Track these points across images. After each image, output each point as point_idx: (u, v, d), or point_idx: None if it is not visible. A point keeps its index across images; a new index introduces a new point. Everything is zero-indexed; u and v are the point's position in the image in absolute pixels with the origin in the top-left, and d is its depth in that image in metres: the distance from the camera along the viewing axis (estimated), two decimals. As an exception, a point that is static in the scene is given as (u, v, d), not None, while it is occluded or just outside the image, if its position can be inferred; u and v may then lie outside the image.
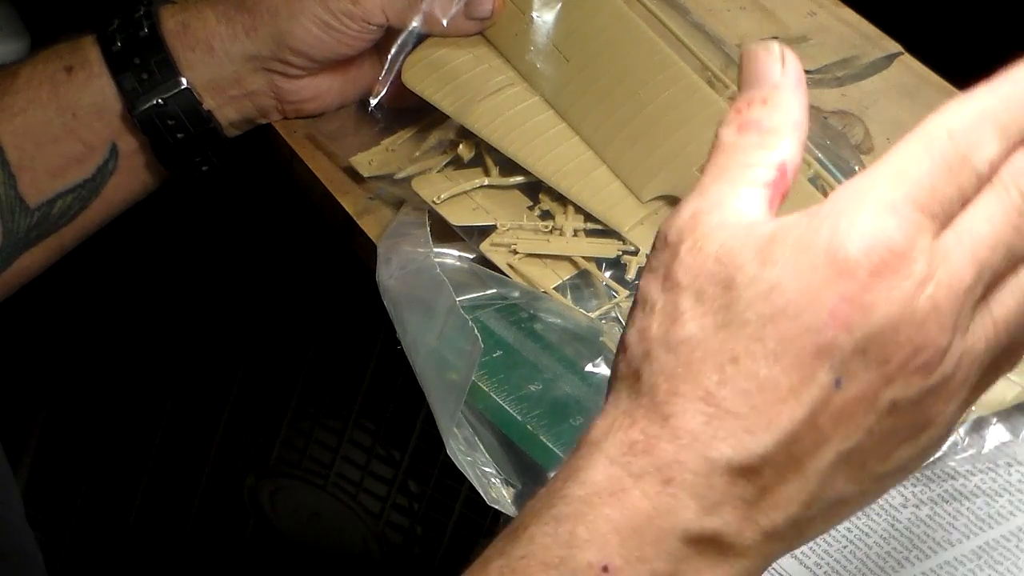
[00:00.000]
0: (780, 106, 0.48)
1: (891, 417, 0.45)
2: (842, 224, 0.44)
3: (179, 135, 0.78)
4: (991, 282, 0.46)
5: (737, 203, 0.47)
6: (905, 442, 0.46)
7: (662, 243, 0.48)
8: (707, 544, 0.46)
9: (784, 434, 0.45)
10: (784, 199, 0.48)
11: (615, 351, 0.49)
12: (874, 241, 0.44)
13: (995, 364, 0.48)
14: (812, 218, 0.45)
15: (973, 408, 0.66)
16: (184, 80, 0.77)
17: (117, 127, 0.78)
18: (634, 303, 0.48)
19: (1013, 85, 0.46)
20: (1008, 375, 0.66)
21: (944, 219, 0.45)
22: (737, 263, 0.46)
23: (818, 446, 0.45)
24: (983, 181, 0.45)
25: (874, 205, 0.44)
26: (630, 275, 0.71)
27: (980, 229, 0.45)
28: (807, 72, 0.87)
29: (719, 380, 0.45)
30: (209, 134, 0.79)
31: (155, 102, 0.77)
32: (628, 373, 0.47)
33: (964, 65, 0.87)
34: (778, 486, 0.46)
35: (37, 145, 0.78)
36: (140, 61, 0.77)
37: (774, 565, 0.63)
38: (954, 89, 0.86)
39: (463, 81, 0.77)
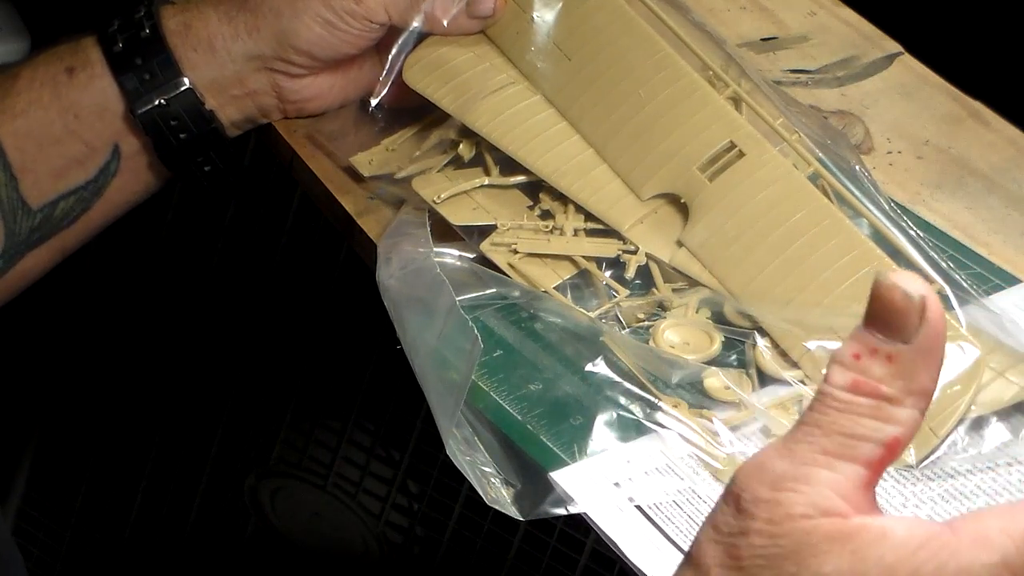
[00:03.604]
0: (909, 371, 0.42)
1: None
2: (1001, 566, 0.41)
3: (181, 135, 0.78)
4: None
5: (830, 480, 0.41)
6: None
7: (733, 501, 0.43)
8: None
9: None
10: (881, 477, 0.43)
11: None
12: None
13: None
14: (937, 539, 0.41)
15: (973, 408, 0.66)
16: (186, 80, 0.77)
17: (119, 128, 0.78)
18: (687, 557, 0.44)
19: None
20: (1007, 375, 0.67)
21: None
22: (816, 565, 0.41)
23: None
24: None
25: (994, 562, 0.41)
26: (629, 274, 0.71)
27: None
28: (807, 72, 0.87)
29: None
30: (211, 134, 0.79)
31: (157, 103, 0.77)
32: None
33: (964, 65, 0.88)
34: None
35: (39, 147, 0.77)
36: (142, 61, 0.77)
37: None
38: (954, 89, 0.86)
39: (464, 80, 0.77)
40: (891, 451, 0.42)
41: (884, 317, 0.42)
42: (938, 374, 0.42)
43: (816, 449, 0.42)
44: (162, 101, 0.77)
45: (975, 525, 0.42)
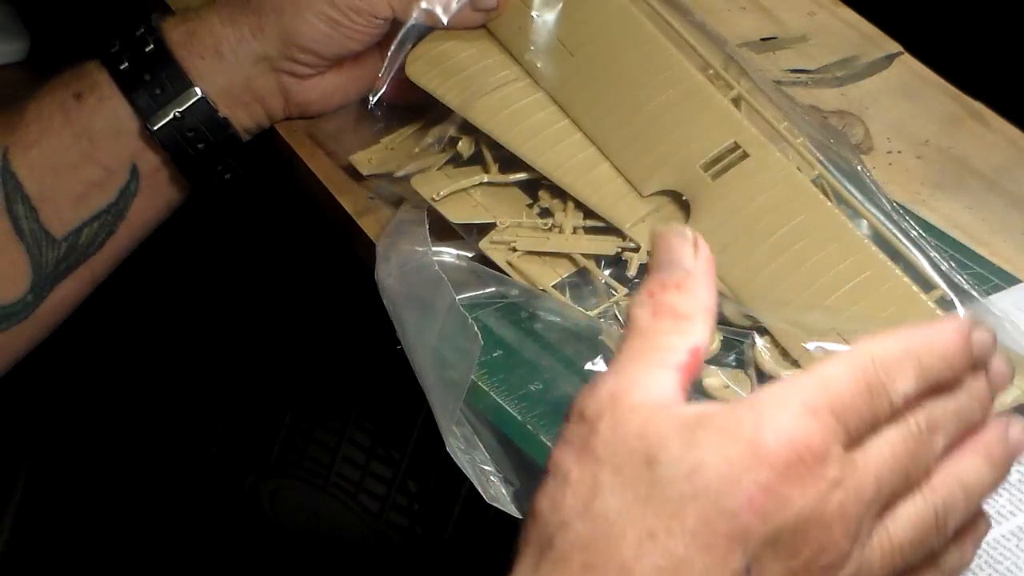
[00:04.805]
0: (693, 292, 0.51)
1: None
2: (766, 418, 0.47)
3: (199, 145, 0.78)
4: (888, 502, 0.49)
5: (653, 384, 0.49)
6: None
7: (578, 417, 0.49)
8: None
9: None
10: (694, 380, 0.50)
11: (524, 518, 0.50)
12: (794, 438, 0.47)
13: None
14: (737, 407, 0.48)
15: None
16: (198, 90, 0.77)
17: (135, 147, 0.78)
18: (546, 472, 0.49)
19: (939, 336, 0.50)
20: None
21: (856, 435, 0.48)
22: (660, 442, 0.47)
23: None
24: (895, 412, 0.49)
25: (798, 405, 0.47)
26: (631, 272, 0.71)
27: (883, 452, 0.49)
28: (807, 72, 0.87)
29: (635, 554, 0.46)
30: (229, 141, 0.79)
31: (172, 116, 0.77)
32: (539, 541, 0.48)
33: (964, 65, 0.88)
34: None
35: (56, 175, 0.77)
36: (151, 77, 0.77)
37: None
38: (954, 89, 0.86)
39: (467, 76, 0.77)
40: (695, 357, 0.50)
41: (668, 257, 0.51)
42: (715, 293, 0.51)
43: (638, 364, 0.50)
44: (177, 113, 0.77)
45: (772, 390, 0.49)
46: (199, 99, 0.77)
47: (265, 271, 1.00)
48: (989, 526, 0.54)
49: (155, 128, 0.77)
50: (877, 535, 0.49)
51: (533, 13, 0.79)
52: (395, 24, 0.77)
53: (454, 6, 0.77)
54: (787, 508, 0.46)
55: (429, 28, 0.78)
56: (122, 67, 0.77)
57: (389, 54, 0.77)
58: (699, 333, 0.50)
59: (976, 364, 0.52)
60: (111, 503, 1.15)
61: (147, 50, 0.77)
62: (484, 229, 0.73)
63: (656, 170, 0.73)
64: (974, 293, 0.70)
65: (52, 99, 0.77)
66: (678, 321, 0.50)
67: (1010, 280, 0.74)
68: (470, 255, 0.73)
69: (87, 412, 1.15)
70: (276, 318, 1.00)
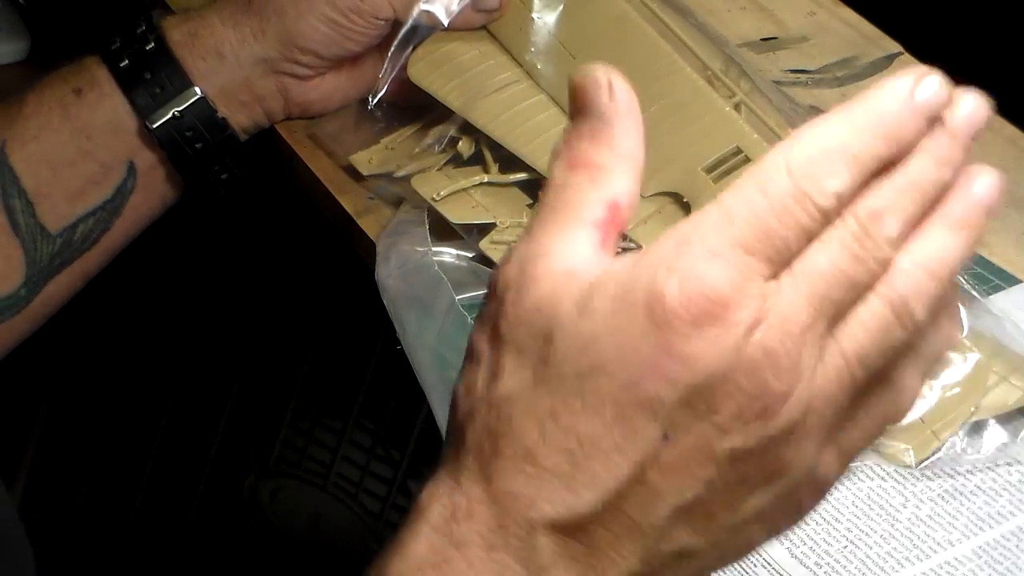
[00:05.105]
0: (608, 140, 0.46)
1: (733, 467, 0.44)
2: (660, 273, 0.42)
3: (197, 145, 0.78)
4: (835, 316, 0.43)
5: (565, 247, 0.45)
6: (757, 489, 0.44)
7: (491, 292, 0.46)
8: None
9: (609, 491, 0.43)
10: (619, 238, 0.45)
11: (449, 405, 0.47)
12: (693, 289, 0.42)
13: (866, 403, 0.46)
14: (635, 265, 0.43)
15: (973, 409, 0.66)
16: (198, 90, 0.77)
17: (133, 144, 0.78)
18: (466, 355, 0.46)
19: (866, 110, 0.43)
20: (1010, 379, 0.67)
21: (781, 260, 0.43)
22: (556, 314, 0.44)
23: (650, 501, 0.43)
24: (828, 216, 0.43)
25: (696, 251, 0.42)
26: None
27: (817, 265, 0.43)
28: (807, 72, 0.87)
29: (539, 438, 0.43)
30: (227, 141, 0.79)
31: (171, 115, 0.77)
32: (455, 430, 0.46)
33: (964, 65, 0.87)
34: (610, 543, 0.44)
35: (53, 170, 0.77)
36: (151, 75, 0.77)
37: (773, 564, 0.63)
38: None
39: (469, 77, 0.77)
40: (613, 212, 0.45)
41: (581, 103, 0.46)
42: (639, 136, 0.46)
43: (549, 225, 0.45)
44: (176, 113, 0.77)
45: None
46: (198, 99, 0.77)
47: (265, 271, 1.00)
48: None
49: (153, 127, 0.77)
50: (828, 354, 0.43)
51: (534, 15, 0.79)
52: (396, 25, 0.77)
53: (455, 7, 0.77)
54: (695, 366, 0.42)
55: (430, 29, 0.78)
56: (122, 65, 0.77)
57: (390, 54, 0.77)
58: (618, 184, 0.45)
59: (930, 121, 0.44)
60: (111, 503, 1.15)
61: (148, 48, 0.77)
62: (484, 229, 0.73)
63: (656, 173, 0.73)
64: (974, 293, 0.70)
65: (52, 94, 0.77)
66: (592, 172, 0.45)
67: (1010, 280, 0.74)
68: (470, 255, 0.73)
69: (87, 412, 1.15)
70: (276, 318, 1.00)
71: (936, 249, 0.44)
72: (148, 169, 0.79)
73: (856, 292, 0.43)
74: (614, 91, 0.46)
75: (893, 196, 0.43)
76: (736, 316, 0.42)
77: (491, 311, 0.45)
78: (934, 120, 0.44)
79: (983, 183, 0.46)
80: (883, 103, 0.43)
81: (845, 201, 0.43)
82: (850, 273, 0.43)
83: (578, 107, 0.46)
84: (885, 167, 0.43)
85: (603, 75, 0.46)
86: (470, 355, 0.46)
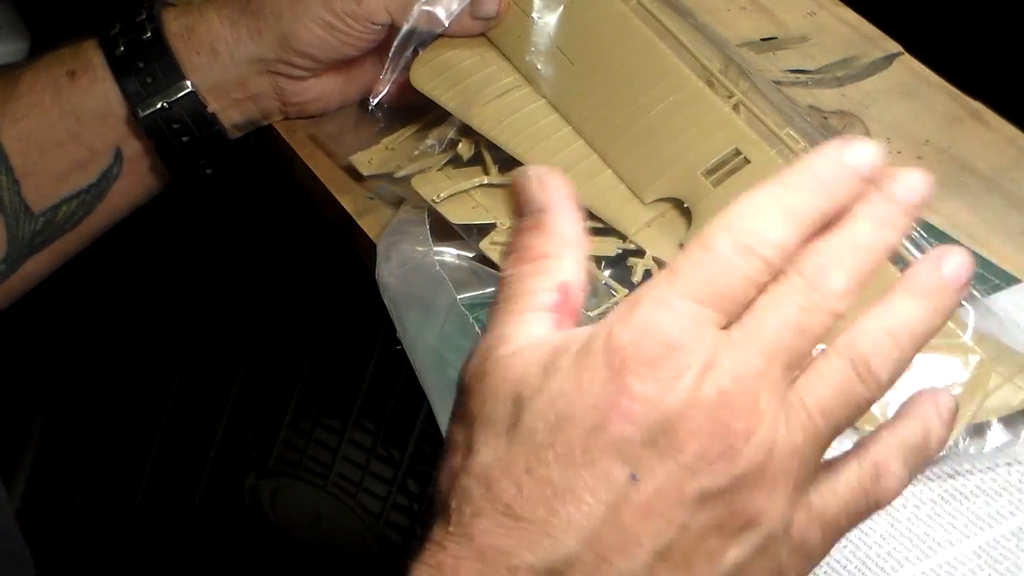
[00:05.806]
0: (549, 229, 0.49)
1: (704, 510, 0.45)
2: (616, 326, 0.45)
3: (184, 138, 0.78)
4: (790, 363, 0.46)
5: (522, 334, 0.47)
6: (733, 541, 0.46)
7: (460, 388, 0.48)
8: None
9: (586, 533, 0.45)
10: (575, 318, 0.48)
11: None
12: (644, 334, 0.45)
13: (843, 469, 0.48)
14: (593, 327, 0.46)
15: (975, 410, 0.66)
16: (188, 84, 0.77)
17: (121, 131, 0.78)
18: (444, 449, 0.49)
19: (799, 170, 0.46)
20: (1014, 380, 0.67)
21: (732, 310, 0.45)
22: (523, 377, 0.46)
23: (627, 543, 0.45)
24: (773, 268, 0.45)
25: (646, 304, 0.45)
26: (636, 278, 0.71)
27: (766, 312, 0.45)
28: (807, 72, 0.87)
29: (516, 492, 0.45)
30: (213, 137, 0.79)
31: (160, 106, 0.77)
32: (441, 510, 0.47)
33: (964, 65, 0.88)
34: None
35: (41, 150, 0.77)
36: (144, 65, 0.77)
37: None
38: (954, 89, 0.86)
39: (470, 83, 0.77)
40: (564, 295, 0.48)
41: (521, 201, 0.49)
42: (578, 224, 0.49)
43: (505, 316, 0.48)
44: (164, 104, 0.77)
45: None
46: (188, 92, 0.77)
47: (265, 271, 1.00)
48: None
49: (141, 116, 0.77)
50: (789, 404, 0.46)
51: (534, 15, 0.79)
52: (393, 28, 0.77)
53: (454, 9, 0.77)
54: (655, 406, 0.44)
55: (430, 30, 0.78)
56: (118, 51, 0.77)
57: (390, 56, 0.77)
58: (566, 269, 0.48)
59: (869, 182, 0.46)
60: (111, 503, 1.15)
61: (144, 38, 0.77)
62: (484, 229, 0.73)
63: (657, 177, 0.73)
64: (974, 293, 0.70)
65: (47, 74, 0.78)
66: (538, 262, 0.48)
67: (1010, 280, 0.74)
68: (471, 255, 0.73)
69: (87, 412, 1.15)
70: (276, 318, 1.00)
71: (900, 314, 0.47)
72: (135, 157, 0.79)
73: (808, 340, 0.46)
74: (547, 185, 0.49)
75: (836, 250, 0.46)
76: (687, 359, 0.44)
77: (461, 402, 0.48)
78: (869, 183, 0.46)
79: (953, 263, 0.47)
80: (815, 163, 0.46)
81: (788, 253, 0.46)
82: (799, 321, 0.45)
83: (518, 205, 0.50)
84: (827, 226, 0.46)
85: (534, 173, 0.49)
86: (448, 446, 0.48)
